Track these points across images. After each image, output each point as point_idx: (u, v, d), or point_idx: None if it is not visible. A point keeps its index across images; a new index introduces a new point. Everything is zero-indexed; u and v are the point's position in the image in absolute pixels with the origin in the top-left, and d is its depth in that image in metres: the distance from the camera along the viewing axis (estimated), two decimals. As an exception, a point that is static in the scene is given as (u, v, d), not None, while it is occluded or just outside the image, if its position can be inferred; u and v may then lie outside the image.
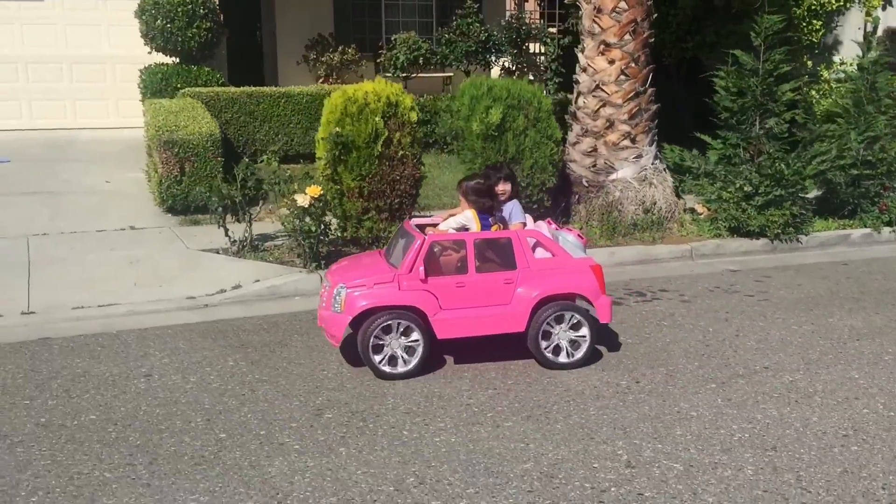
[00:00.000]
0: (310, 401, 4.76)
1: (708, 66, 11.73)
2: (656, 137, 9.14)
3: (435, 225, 5.60)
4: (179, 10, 12.63)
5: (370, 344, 4.98)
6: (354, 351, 5.15)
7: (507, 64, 14.89)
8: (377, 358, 5.01)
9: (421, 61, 14.09)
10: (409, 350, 5.04)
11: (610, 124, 8.89)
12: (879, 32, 18.13)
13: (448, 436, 4.29)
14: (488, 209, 5.46)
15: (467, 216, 5.41)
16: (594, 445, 4.17)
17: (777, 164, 8.69)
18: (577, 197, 8.92)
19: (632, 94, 8.84)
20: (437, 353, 5.30)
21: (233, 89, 12.17)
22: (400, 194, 8.05)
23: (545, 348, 5.22)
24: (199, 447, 4.18)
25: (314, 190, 7.48)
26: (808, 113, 10.12)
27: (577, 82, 9.11)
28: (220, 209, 8.19)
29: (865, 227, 9.37)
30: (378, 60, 14.62)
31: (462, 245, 5.19)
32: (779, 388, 4.94)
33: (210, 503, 3.63)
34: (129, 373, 5.23)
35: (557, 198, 8.82)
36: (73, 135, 13.86)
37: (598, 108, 8.90)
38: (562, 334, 5.24)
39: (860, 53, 10.41)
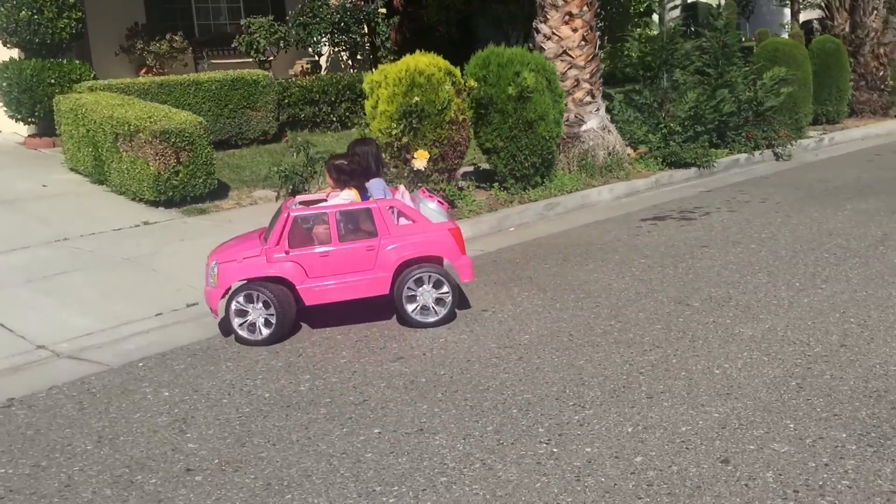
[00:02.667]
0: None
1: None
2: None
3: (320, 201, 5.94)
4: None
5: (233, 310, 5.45)
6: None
7: (342, 45, 15.64)
8: (238, 322, 5.47)
9: (281, 44, 14.46)
10: (268, 321, 5.46)
11: (577, 83, 10.49)
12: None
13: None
14: (358, 186, 5.86)
15: (349, 196, 5.77)
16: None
17: (700, 107, 10.94)
18: (558, 148, 10.40)
19: (591, 57, 10.53)
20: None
21: (143, 79, 11.89)
22: (458, 155, 9.00)
23: (410, 308, 5.60)
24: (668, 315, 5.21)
25: (423, 154, 8.20)
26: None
27: (542, 49, 10.54)
28: (290, 186, 8.51)
29: (741, 152, 12.00)
30: (232, 45, 14.67)
31: (325, 218, 5.57)
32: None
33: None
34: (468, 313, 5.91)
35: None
36: None
37: (566, 70, 10.44)
38: (426, 294, 5.60)
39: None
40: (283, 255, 5.47)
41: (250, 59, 15.25)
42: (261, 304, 5.44)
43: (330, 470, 3.78)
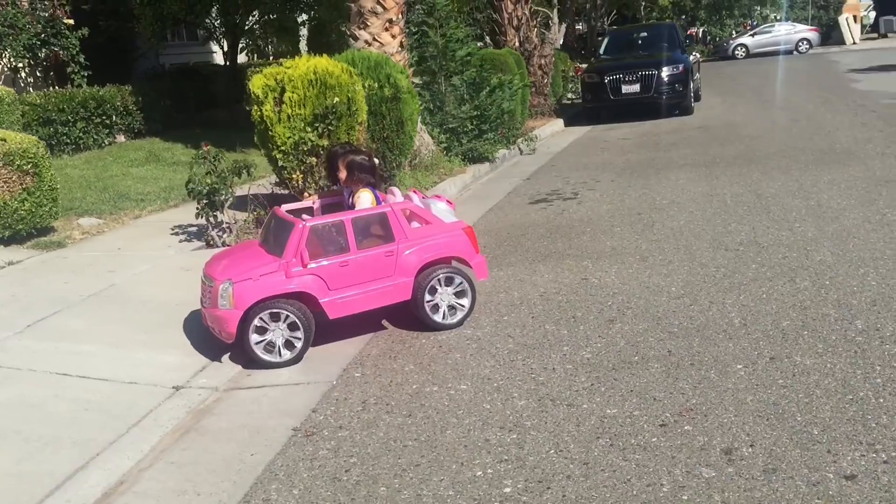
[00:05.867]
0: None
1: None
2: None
3: (306, 209, 5.76)
4: None
5: (251, 332, 5.04)
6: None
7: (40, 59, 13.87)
8: (258, 346, 5.09)
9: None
10: (292, 339, 5.15)
11: (397, 87, 10.88)
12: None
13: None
14: (373, 185, 5.67)
15: (366, 199, 5.53)
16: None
17: (488, 108, 12.09)
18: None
19: (407, 62, 11.01)
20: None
21: None
22: (358, 156, 8.93)
23: (431, 312, 5.47)
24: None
25: (367, 154, 8.04)
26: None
27: (363, 55, 10.73)
28: (212, 202, 7.86)
29: (500, 149, 13.37)
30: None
31: (341, 226, 5.26)
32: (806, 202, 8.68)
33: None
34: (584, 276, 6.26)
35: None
36: None
37: (388, 75, 10.79)
38: (445, 297, 5.49)
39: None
40: (303, 268, 5.10)
41: None
42: (285, 324, 5.08)
43: (778, 412, 4.06)
